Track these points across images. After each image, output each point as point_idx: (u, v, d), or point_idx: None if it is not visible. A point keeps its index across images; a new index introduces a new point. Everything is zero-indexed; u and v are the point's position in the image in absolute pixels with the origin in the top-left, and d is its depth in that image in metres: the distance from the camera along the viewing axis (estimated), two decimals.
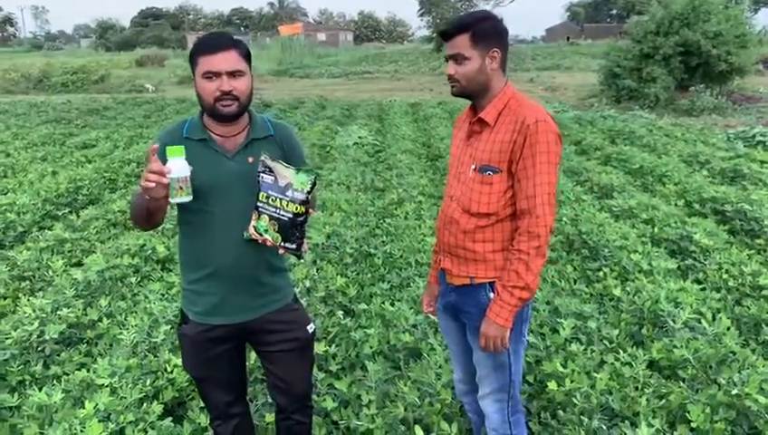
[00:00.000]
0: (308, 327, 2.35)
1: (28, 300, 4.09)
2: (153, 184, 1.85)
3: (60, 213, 6.63)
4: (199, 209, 2.09)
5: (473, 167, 2.16)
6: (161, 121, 14.74)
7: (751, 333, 3.76)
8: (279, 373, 2.34)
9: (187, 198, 1.95)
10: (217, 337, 2.21)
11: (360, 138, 10.71)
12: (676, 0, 17.22)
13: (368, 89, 26.45)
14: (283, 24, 55.86)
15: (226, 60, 1.98)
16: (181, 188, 1.92)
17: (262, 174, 2.05)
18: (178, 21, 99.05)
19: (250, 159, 2.11)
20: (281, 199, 2.02)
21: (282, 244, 2.05)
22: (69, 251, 5.29)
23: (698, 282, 4.46)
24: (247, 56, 2.07)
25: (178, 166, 1.92)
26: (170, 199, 1.93)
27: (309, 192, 2.04)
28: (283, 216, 2.02)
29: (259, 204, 2.04)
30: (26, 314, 3.76)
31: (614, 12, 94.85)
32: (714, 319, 3.62)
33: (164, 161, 1.93)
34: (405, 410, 2.84)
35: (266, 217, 2.04)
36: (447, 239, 2.25)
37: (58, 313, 3.83)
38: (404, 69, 38.46)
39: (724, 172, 7.79)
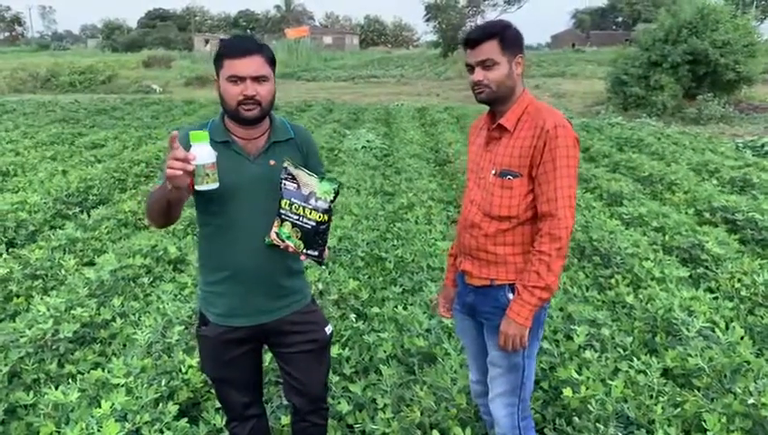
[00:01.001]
0: (326, 329, 2.36)
1: (41, 299, 4.10)
2: (179, 172, 1.80)
3: (71, 212, 6.66)
4: (220, 212, 2.10)
5: (493, 172, 2.21)
6: (169, 123, 14.78)
7: (765, 342, 3.74)
8: (296, 375, 2.34)
9: (214, 185, 1.89)
10: (237, 339, 2.22)
11: (368, 141, 10.72)
12: (685, 8, 17.26)
13: (374, 93, 26.50)
14: (289, 27, 56.03)
15: (252, 64, 1.99)
16: (207, 175, 1.86)
17: (284, 181, 2.06)
18: (185, 22, 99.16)
19: (271, 163, 2.12)
20: (304, 207, 2.04)
21: (304, 251, 2.06)
22: (81, 250, 5.31)
23: (710, 290, 4.44)
24: (272, 61, 2.08)
25: (204, 151, 1.86)
26: (196, 187, 1.88)
27: (332, 201, 2.06)
28: (305, 223, 2.04)
29: (281, 211, 2.05)
30: (40, 313, 3.76)
31: (620, 19, 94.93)
32: (727, 328, 3.61)
33: (187, 149, 1.92)
34: (421, 414, 2.84)
35: (289, 223, 2.05)
36: (469, 242, 2.29)
37: (72, 312, 3.83)
38: (410, 73, 38.50)
39: (734, 181, 7.77)
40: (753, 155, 10.02)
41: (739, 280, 4.47)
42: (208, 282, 2.22)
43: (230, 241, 2.13)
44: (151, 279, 4.66)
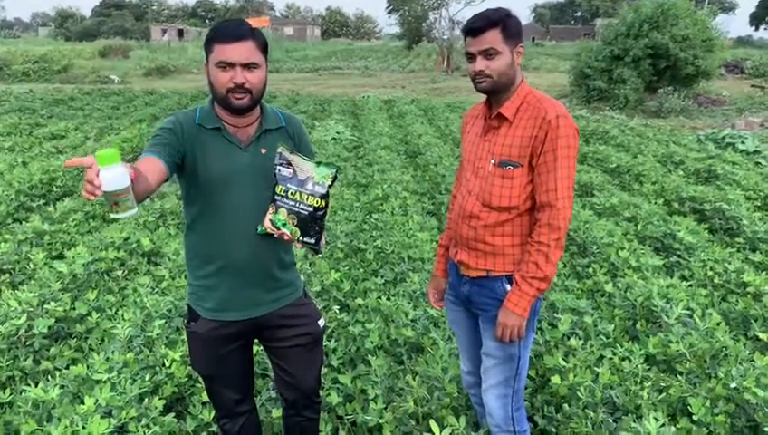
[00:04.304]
0: (319, 322, 2.31)
1: (11, 293, 3.95)
2: (92, 197, 1.53)
3: (34, 205, 6.44)
4: (210, 201, 2.03)
5: (492, 161, 2.16)
6: (131, 113, 14.42)
7: (740, 328, 3.85)
8: (289, 369, 2.29)
9: (128, 213, 1.59)
10: (229, 334, 2.15)
11: (337, 133, 10.64)
12: (646, 4, 17.60)
13: (339, 84, 26.37)
14: (249, 18, 55.33)
15: (243, 51, 1.91)
16: (116, 204, 1.55)
17: (279, 166, 2.00)
18: (141, 11, 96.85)
19: (263, 151, 2.05)
20: (301, 193, 1.98)
21: (300, 238, 2.01)
22: (49, 243, 5.14)
23: (684, 278, 4.54)
24: (264, 48, 2.00)
25: (112, 176, 1.52)
26: (110, 214, 1.62)
27: (330, 185, 2.01)
28: (303, 209, 1.98)
29: (277, 197, 1.99)
30: (12, 308, 3.63)
31: (579, 14, 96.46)
32: (703, 315, 3.70)
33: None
34: (414, 404, 2.83)
35: (284, 210, 1.99)
36: (466, 233, 2.25)
37: (45, 306, 3.70)
38: (374, 66, 38.43)
39: (699, 172, 7.98)
40: (716, 147, 10.29)
41: (711, 268, 4.59)
42: (198, 276, 2.14)
43: (221, 232, 2.06)
44: (126, 272, 4.54)
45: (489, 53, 2.06)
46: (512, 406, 2.35)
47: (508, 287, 2.18)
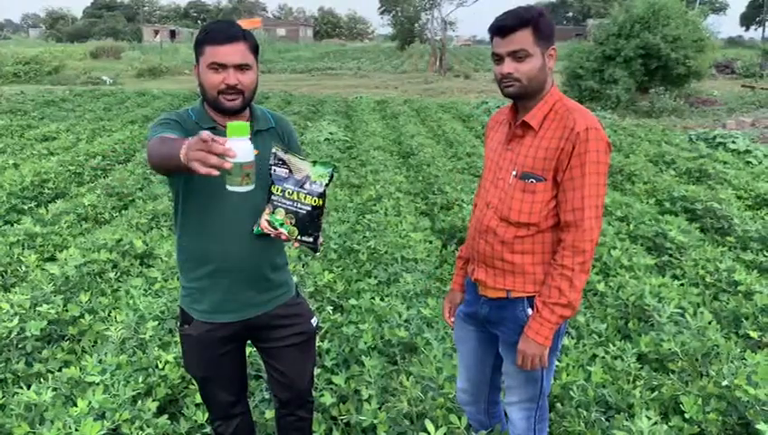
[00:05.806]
0: (312, 321, 2.32)
1: (3, 295, 3.93)
2: (215, 171, 1.48)
3: (26, 207, 6.41)
4: (205, 203, 2.03)
5: (514, 173, 2.02)
6: (123, 114, 14.37)
7: (731, 326, 3.87)
8: (283, 369, 2.29)
9: (249, 187, 1.61)
10: (224, 336, 2.14)
11: (330, 133, 10.65)
12: (637, 4, 17.69)
13: (332, 85, 26.37)
14: (241, 19, 55.26)
15: (235, 52, 1.90)
16: (247, 176, 1.58)
17: (274, 167, 1.99)
18: (133, 12, 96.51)
19: (255, 152, 2.05)
20: (298, 192, 1.97)
21: (298, 237, 2.00)
22: (41, 246, 5.11)
23: (676, 277, 4.57)
24: (255, 49, 2.00)
25: (245, 148, 1.55)
26: (229, 187, 1.60)
27: (327, 184, 2.01)
28: (300, 209, 1.98)
29: (274, 197, 1.98)
30: (4, 311, 3.61)
31: (570, 15, 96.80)
32: (695, 313, 3.72)
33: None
34: (408, 404, 2.83)
35: (282, 210, 1.98)
36: (483, 249, 2.11)
37: (37, 309, 3.69)
38: (367, 66, 38.46)
39: (690, 172, 8.03)
40: (707, 147, 10.35)
41: (703, 267, 4.61)
42: (191, 278, 2.13)
43: (215, 233, 2.05)
44: (118, 274, 4.52)
45: (519, 55, 1.90)
46: (535, 419, 2.26)
47: (530, 312, 2.04)
